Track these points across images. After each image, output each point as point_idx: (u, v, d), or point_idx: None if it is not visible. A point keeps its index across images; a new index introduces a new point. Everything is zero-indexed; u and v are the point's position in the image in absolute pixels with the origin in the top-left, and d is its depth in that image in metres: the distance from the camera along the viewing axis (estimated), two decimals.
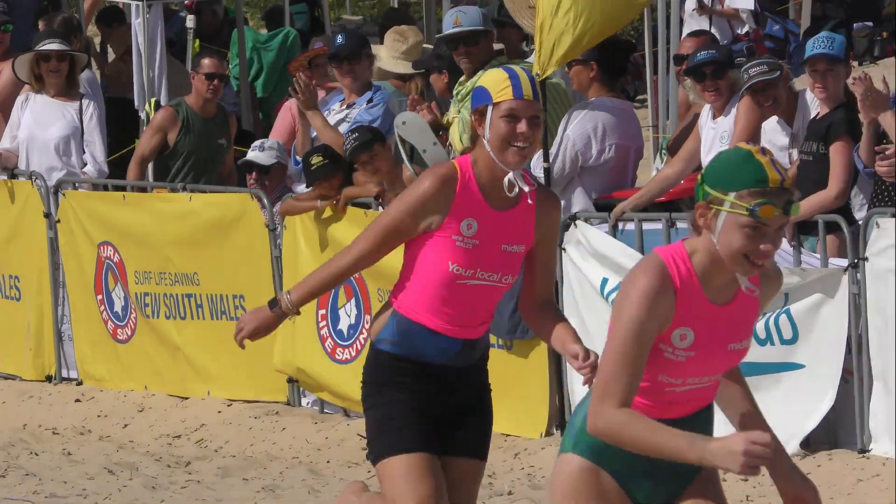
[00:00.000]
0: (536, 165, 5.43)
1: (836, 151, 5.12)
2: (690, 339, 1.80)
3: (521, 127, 2.39)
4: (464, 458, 2.65)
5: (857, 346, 5.09)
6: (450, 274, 2.47)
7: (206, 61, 6.85)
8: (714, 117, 5.48)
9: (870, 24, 10.28)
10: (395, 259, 6.11)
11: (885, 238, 4.99)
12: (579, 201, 5.74)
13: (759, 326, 5.19)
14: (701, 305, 1.80)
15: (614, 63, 5.80)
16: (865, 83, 5.05)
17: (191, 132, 6.78)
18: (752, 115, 5.17)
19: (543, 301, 2.61)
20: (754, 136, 5.13)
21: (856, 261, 5.08)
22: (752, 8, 8.34)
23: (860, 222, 5.19)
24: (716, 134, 5.36)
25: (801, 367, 5.26)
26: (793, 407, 5.27)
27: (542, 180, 5.42)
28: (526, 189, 2.45)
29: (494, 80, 2.47)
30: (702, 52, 5.55)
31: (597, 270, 5.56)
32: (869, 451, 5.08)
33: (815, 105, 5.43)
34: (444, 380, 2.59)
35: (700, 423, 1.92)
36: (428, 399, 2.58)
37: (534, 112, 2.44)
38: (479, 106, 2.46)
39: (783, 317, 5.24)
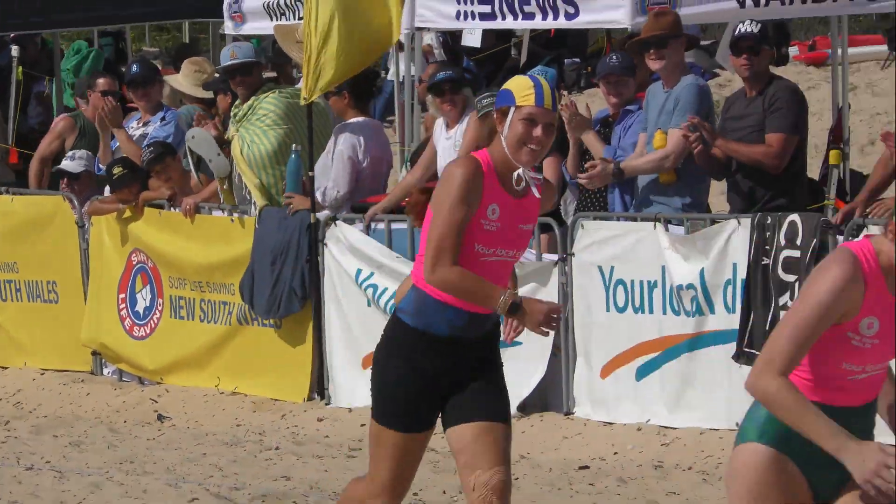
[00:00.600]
0: None
1: (548, 165, 5.77)
2: (876, 327, 1.86)
3: (538, 132, 2.56)
4: (477, 422, 2.69)
5: (564, 327, 5.80)
6: (475, 253, 2.62)
7: (100, 80, 7.59)
8: (448, 129, 6.27)
9: (577, 60, 12.12)
10: (183, 251, 7.01)
11: (588, 237, 5.80)
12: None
13: None
14: (886, 298, 1.87)
15: (363, 89, 6.69)
16: (571, 109, 5.99)
17: (85, 138, 7.60)
18: (478, 132, 6.04)
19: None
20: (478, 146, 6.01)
21: (564, 255, 5.87)
22: (478, 45, 9.70)
23: (568, 224, 5.98)
24: (449, 144, 6.15)
25: (518, 343, 6.04)
26: (511, 377, 5.96)
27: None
28: (533, 184, 2.64)
29: (520, 86, 2.64)
30: (441, 73, 6.42)
31: (353, 263, 6.34)
32: (573, 413, 5.86)
33: None
34: (454, 353, 2.70)
35: (871, 414, 2.00)
36: (435, 374, 2.69)
37: (550, 120, 2.60)
38: (503, 106, 2.62)
39: None
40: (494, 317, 2.74)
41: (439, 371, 2.70)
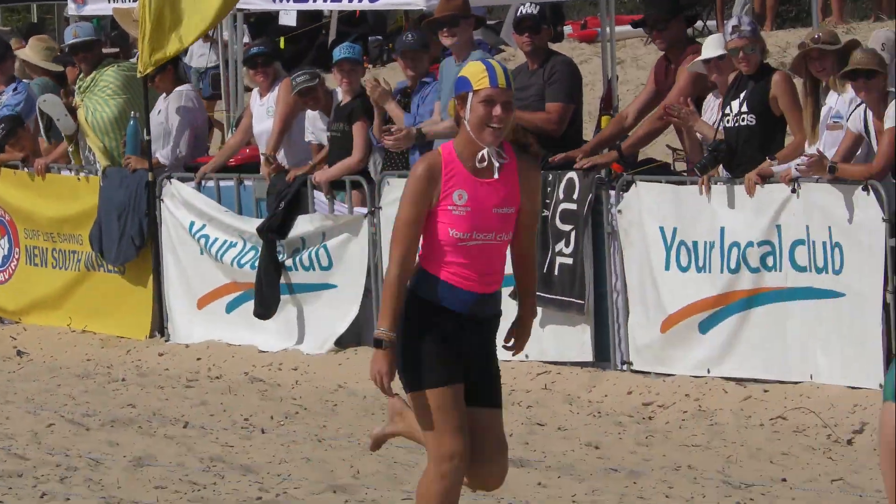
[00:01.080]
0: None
1: (357, 130, 6.58)
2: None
3: (497, 111, 2.60)
4: (481, 408, 2.75)
5: (374, 272, 6.51)
6: (451, 238, 2.67)
7: None
8: (261, 97, 7.08)
9: (379, 37, 12.96)
10: (36, 206, 8.09)
11: (392, 193, 6.24)
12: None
13: (305, 257, 6.71)
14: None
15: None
16: (372, 83, 6.63)
17: None
18: (289, 103, 6.81)
19: (523, 253, 2.85)
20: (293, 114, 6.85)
21: (373, 209, 6.50)
22: (294, 24, 10.45)
23: (376, 181, 6.61)
24: (262, 110, 6.97)
25: (334, 286, 6.74)
26: (329, 314, 6.78)
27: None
28: (497, 163, 2.65)
29: (474, 72, 2.67)
30: (253, 48, 7.29)
31: (187, 216, 7.17)
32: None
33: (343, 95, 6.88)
34: (462, 328, 2.72)
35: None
36: (454, 334, 2.72)
37: (507, 98, 2.64)
38: (462, 92, 2.66)
39: (321, 250, 6.72)
40: (497, 298, 2.84)
41: (452, 336, 2.73)
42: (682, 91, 5.90)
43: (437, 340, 2.69)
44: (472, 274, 2.68)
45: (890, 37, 5.75)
